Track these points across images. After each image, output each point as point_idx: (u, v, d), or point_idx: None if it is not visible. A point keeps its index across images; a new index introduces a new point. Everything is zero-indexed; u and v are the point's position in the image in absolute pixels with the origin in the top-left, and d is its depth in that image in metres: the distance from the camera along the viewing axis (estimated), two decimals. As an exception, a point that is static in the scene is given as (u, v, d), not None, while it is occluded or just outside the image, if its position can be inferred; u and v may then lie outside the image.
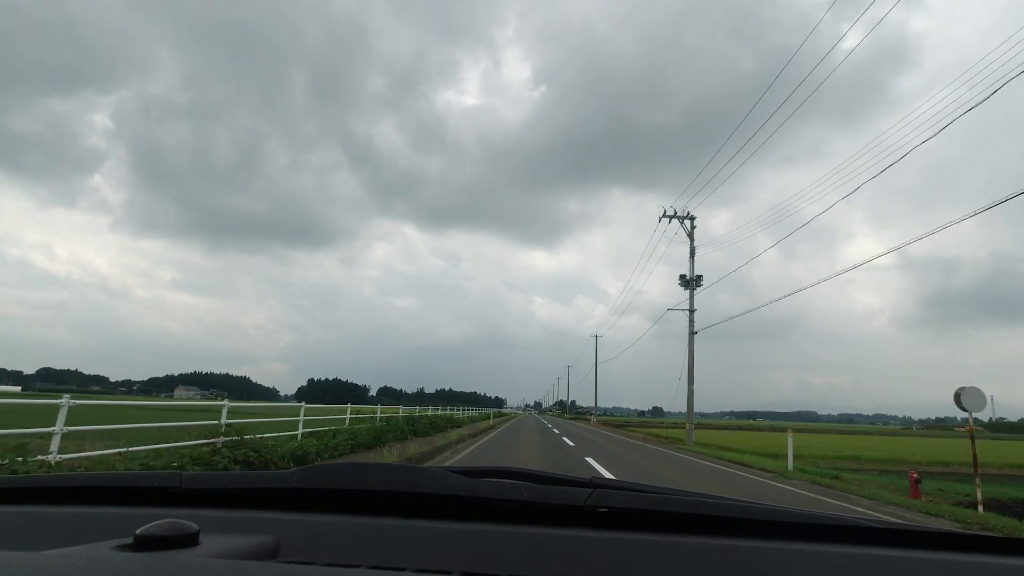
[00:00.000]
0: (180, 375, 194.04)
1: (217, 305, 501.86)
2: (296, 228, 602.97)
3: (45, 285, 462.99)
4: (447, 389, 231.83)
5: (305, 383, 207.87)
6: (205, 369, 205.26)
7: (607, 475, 9.21)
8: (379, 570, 0.69)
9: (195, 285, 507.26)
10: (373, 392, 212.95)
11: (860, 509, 7.97)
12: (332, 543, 0.75)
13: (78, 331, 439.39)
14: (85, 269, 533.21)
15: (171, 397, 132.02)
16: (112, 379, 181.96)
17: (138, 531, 0.62)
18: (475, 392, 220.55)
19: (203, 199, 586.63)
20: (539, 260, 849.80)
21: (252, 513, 0.83)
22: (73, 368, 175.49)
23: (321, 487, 0.88)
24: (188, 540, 0.63)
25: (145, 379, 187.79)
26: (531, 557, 0.73)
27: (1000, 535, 0.79)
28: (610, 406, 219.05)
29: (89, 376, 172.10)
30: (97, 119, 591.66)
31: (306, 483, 0.88)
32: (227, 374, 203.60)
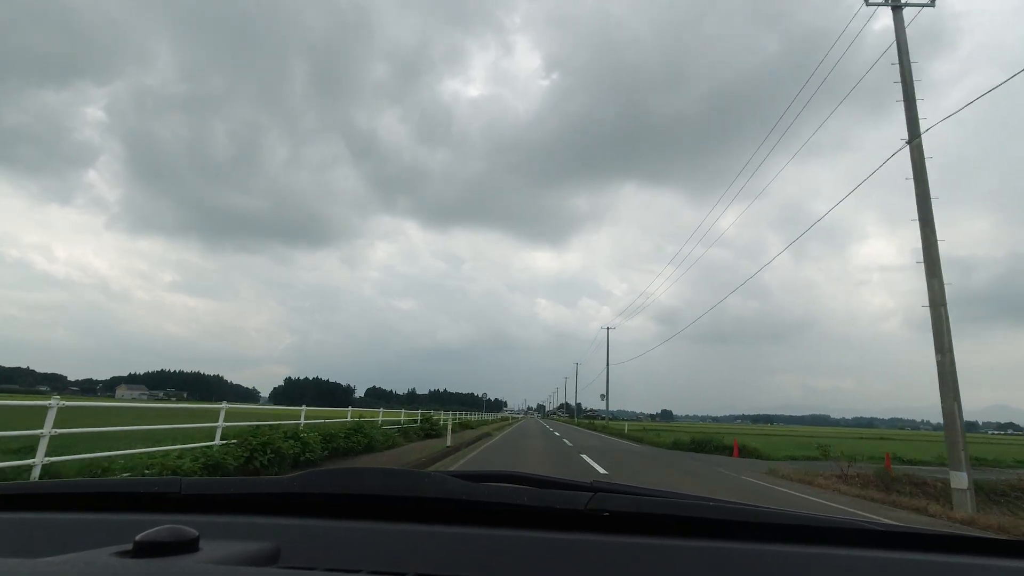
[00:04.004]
0: (145, 374, 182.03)
1: (216, 307, 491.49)
2: (296, 226, 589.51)
3: (35, 283, 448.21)
4: (442, 390, 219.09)
5: (282, 383, 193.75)
6: (175, 367, 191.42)
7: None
8: (379, 575, 0.69)
9: (193, 286, 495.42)
10: (361, 392, 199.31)
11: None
12: (332, 548, 0.77)
13: (71, 331, 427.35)
14: (80, 267, 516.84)
15: (111, 397, 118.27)
16: (72, 378, 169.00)
17: (137, 537, 0.63)
18: (472, 394, 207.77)
19: (200, 196, 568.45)
20: (545, 260, 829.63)
21: (252, 518, 0.87)
22: (25, 366, 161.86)
23: (321, 492, 0.91)
24: (188, 546, 0.65)
25: (108, 378, 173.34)
26: (532, 561, 0.74)
27: (1003, 537, 0.84)
28: (615, 409, 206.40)
29: (42, 375, 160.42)
30: (90, 112, 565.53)
31: (306, 488, 0.92)
32: (198, 372, 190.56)
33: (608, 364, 52.93)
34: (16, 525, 0.88)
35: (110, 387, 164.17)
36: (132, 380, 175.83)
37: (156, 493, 0.95)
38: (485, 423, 43.22)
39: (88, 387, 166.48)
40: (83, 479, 1.39)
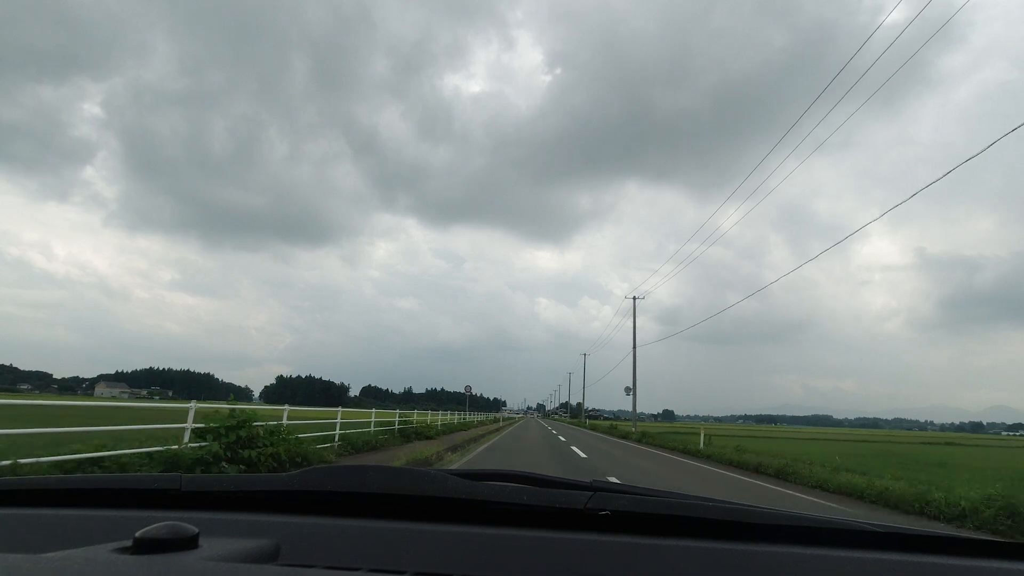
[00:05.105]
0: (132, 372, 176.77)
1: (215, 305, 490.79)
2: (296, 224, 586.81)
3: (33, 281, 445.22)
4: (439, 389, 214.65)
5: (274, 381, 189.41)
6: (164, 365, 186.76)
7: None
8: (379, 573, 0.70)
9: (192, 284, 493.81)
10: (356, 391, 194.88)
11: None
12: (332, 546, 0.79)
13: (69, 330, 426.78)
14: (78, 265, 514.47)
15: (90, 395, 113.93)
16: (58, 376, 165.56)
17: (137, 534, 0.64)
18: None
19: (199, 193, 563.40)
20: (546, 259, 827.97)
21: (252, 516, 0.88)
22: (8, 363, 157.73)
23: (321, 489, 0.93)
24: (188, 543, 0.66)
25: (94, 376, 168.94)
26: (531, 560, 0.75)
27: (1001, 539, 0.86)
28: (615, 409, 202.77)
29: (26, 372, 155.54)
30: (87, 107, 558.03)
31: (306, 485, 0.94)
32: (187, 370, 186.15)
33: (635, 345, 38.64)
34: (16, 521, 0.89)
35: (94, 385, 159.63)
36: (119, 378, 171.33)
37: (156, 490, 0.97)
38: (466, 426, 31.48)
39: (69, 385, 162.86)
40: (84, 475, 1.44)
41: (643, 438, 28.58)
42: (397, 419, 19.32)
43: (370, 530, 0.81)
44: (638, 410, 37.31)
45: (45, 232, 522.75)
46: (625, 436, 32.18)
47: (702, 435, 21.48)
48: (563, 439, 25.58)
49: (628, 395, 38.06)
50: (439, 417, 28.16)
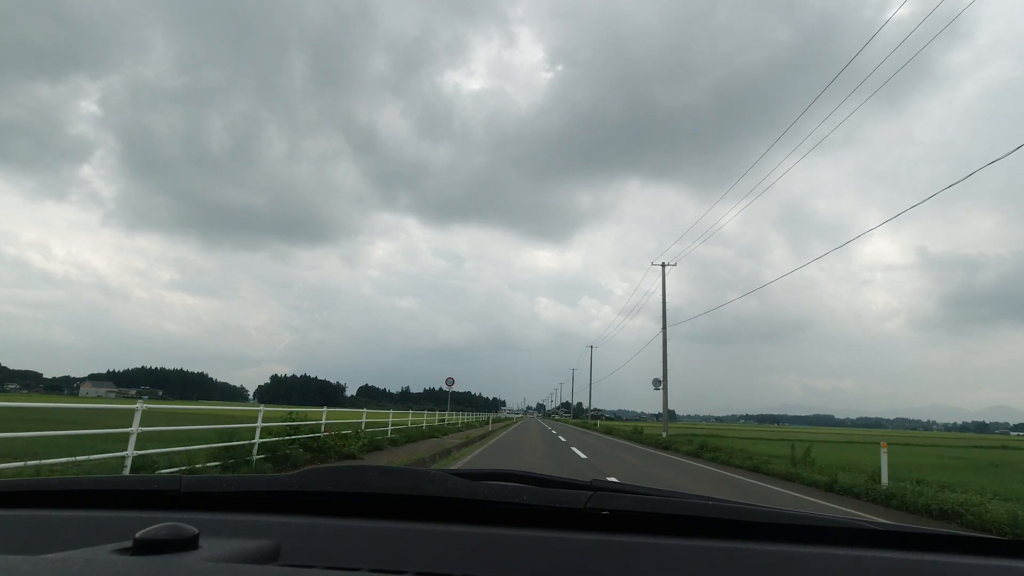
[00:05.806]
0: (124, 371, 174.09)
1: (214, 305, 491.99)
2: (295, 223, 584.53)
3: (30, 281, 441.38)
4: (437, 389, 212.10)
5: (268, 380, 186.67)
6: (156, 364, 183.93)
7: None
8: (379, 573, 0.71)
9: (191, 284, 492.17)
10: (353, 391, 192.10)
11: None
12: (332, 546, 0.79)
13: (67, 329, 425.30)
14: (76, 265, 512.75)
15: (74, 395, 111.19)
16: (49, 375, 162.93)
17: (138, 535, 0.65)
18: (469, 392, 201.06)
19: (198, 192, 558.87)
20: (547, 258, 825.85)
21: (252, 516, 0.89)
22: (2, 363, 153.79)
23: (321, 490, 0.94)
24: (188, 544, 0.66)
25: (85, 376, 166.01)
26: (531, 560, 0.76)
27: (1002, 537, 0.87)
28: (616, 408, 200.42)
29: (15, 372, 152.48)
30: (84, 105, 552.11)
31: (306, 486, 0.94)
32: (180, 369, 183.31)
33: (665, 325, 30.41)
34: (16, 522, 0.89)
35: (81, 384, 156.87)
36: (109, 378, 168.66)
37: (156, 491, 0.98)
38: (442, 431, 23.34)
39: (57, 385, 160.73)
40: (83, 476, 1.48)
41: (702, 451, 18.16)
42: (259, 422, 9.60)
43: (370, 530, 0.81)
44: (640, 410, 34.59)
45: (43, 231, 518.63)
46: (666, 447, 22.15)
47: (884, 457, 10.07)
48: (582, 455, 17.23)
49: (657, 389, 29.99)
50: (391, 417, 18.98)
